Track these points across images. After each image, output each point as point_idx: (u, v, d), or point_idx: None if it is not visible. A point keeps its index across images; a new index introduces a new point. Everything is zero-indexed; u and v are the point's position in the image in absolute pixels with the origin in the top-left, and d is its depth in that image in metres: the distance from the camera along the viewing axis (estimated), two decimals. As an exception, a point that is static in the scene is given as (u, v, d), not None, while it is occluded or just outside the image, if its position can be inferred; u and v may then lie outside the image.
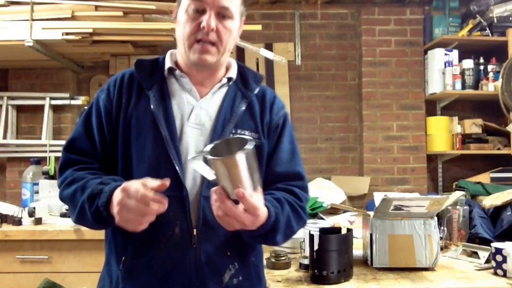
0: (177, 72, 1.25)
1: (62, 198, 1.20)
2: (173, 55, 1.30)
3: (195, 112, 1.22)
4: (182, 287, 1.15)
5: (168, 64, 1.26)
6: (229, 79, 1.28)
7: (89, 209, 1.09)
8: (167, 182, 1.02)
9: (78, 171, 1.18)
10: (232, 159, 0.97)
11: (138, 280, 1.16)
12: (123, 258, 1.17)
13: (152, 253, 1.15)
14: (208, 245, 1.16)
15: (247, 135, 1.22)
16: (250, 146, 0.99)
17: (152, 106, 1.19)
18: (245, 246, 1.20)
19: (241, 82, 1.29)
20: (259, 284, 1.25)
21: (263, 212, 1.06)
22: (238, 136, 1.15)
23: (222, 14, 1.18)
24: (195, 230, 1.15)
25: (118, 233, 1.19)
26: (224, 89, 1.28)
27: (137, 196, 1.00)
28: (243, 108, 1.25)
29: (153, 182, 1.02)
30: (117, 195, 1.03)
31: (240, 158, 0.97)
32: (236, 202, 1.01)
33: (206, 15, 1.16)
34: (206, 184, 1.15)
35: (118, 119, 1.21)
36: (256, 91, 1.29)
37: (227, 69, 1.31)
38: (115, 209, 1.03)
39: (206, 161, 1.03)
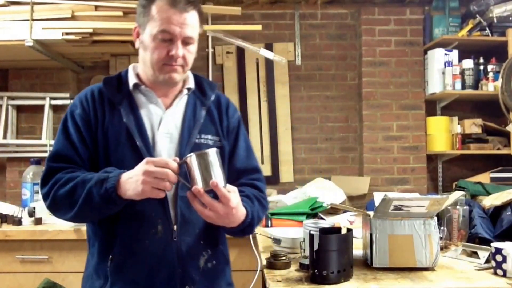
0: (143, 87, 1.41)
1: (56, 198, 1.28)
2: (135, 69, 1.45)
3: (164, 122, 1.39)
4: (167, 275, 1.32)
5: (133, 80, 1.41)
6: (188, 89, 1.46)
7: (97, 193, 1.21)
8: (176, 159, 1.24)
9: (67, 173, 1.29)
10: (205, 153, 1.22)
11: (127, 274, 1.31)
12: (110, 256, 1.32)
13: (138, 249, 1.31)
14: (186, 237, 1.35)
15: (210, 139, 1.42)
16: (215, 149, 1.25)
17: (124, 119, 1.34)
18: (214, 236, 1.42)
19: (198, 91, 1.48)
20: (227, 266, 1.49)
21: (241, 211, 1.29)
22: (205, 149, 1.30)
23: (186, 42, 1.36)
24: (175, 226, 1.33)
25: (104, 233, 1.34)
26: (185, 99, 1.45)
27: (161, 162, 1.19)
28: (203, 114, 1.43)
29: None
30: (141, 167, 1.19)
31: (211, 152, 1.23)
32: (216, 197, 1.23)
33: (174, 45, 1.33)
34: (181, 186, 1.32)
35: (96, 132, 1.34)
36: (212, 98, 1.48)
37: (185, 80, 1.47)
38: (136, 180, 1.18)
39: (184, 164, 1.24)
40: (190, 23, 1.34)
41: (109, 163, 1.31)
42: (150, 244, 1.31)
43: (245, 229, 1.35)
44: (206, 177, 1.21)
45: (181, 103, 1.44)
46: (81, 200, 1.24)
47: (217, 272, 1.42)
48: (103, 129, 1.34)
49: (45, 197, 1.32)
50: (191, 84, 1.47)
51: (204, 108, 1.45)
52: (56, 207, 1.32)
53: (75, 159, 1.33)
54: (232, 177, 1.41)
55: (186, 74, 1.46)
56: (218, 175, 1.22)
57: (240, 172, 1.46)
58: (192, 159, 1.21)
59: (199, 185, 1.21)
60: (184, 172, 1.24)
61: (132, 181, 1.20)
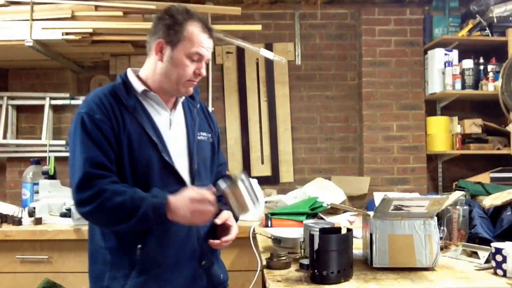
0: (151, 93, 1.53)
1: (100, 209, 1.38)
2: (136, 74, 1.57)
3: (174, 123, 1.57)
4: (190, 254, 1.53)
5: (141, 87, 1.53)
6: None
7: (152, 217, 1.37)
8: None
9: (109, 185, 1.39)
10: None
11: (157, 258, 1.47)
12: (139, 245, 1.45)
13: (169, 234, 1.49)
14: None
15: (205, 135, 1.64)
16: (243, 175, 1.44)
17: (142, 124, 1.48)
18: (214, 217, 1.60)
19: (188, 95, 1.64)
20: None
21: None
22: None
23: (206, 63, 1.57)
24: None
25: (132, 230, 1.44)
26: (180, 101, 1.62)
27: (203, 199, 1.39)
28: (197, 115, 1.65)
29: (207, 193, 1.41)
30: (187, 205, 1.38)
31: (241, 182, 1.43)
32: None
33: (201, 64, 1.53)
34: (197, 178, 1.55)
35: (119, 135, 1.45)
36: (198, 101, 1.69)
37: None
38: (185, 215, 1.38)
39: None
40: (211, 47, 1.56)
41: (134, 161, 1.45)
42: (176, 229, 1.48)
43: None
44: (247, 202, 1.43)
45: (180, 106, 1.62)
46: (136, 220, 1.37)
47: (218, 249, 1.65)
48: (125, 131, 1.45)
49: (83, 204, 1.39)
50: None
51: (195, 110, 1.66)
52: (98, 217, 1.43)
53: (107, 165, 1.42)
54: (217, 168, 1.72)
55: None
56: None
57: (219, 165, 1.76)
58: (237, 187, 1.41)
59: (249, 207, 1.43)
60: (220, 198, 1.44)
61: (181, 214, 1.39)
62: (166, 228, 1.46)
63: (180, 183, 1.50)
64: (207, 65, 3.25)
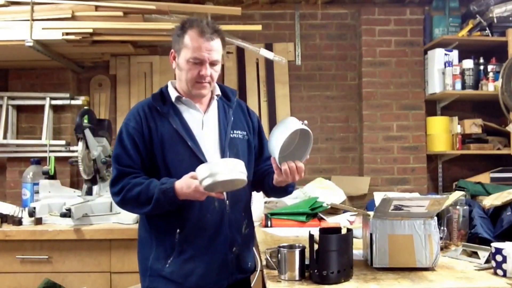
0: (184, 98, 1.74)
1: (125, 199, 1.65)
2: (173, 85, 1.79)
3: (206, 123, 1.74)
4: (222, 240, 1.69)
5: (174, 94, 1.75)
6: (217, 95, 1.81)
7: (164, 199, 1.58)
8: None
9: (132, 179, 1.65)
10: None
11: (194, 242, 1.67)
12: (178, 230, 1.66)
13: (202, 221, 1.67)
14: (234, 210, 1.72)
15: (240, 133, 1.78)
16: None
17: (174, 125, 1.69)
18: (249, 208, 1.84)
19: (224, 97, 1.83)
20: (254, 230, 1.90)
21: None
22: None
23: (213, 63, 1.70)
24: (227, 201, 1.69)
25: (170, 215, 1.65)
26: (215, 103, 1.80)
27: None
28: (231, 115, 1.80)
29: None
30: (190, 189, 1.55)
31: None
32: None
33: (203, 66, 1.67)
34: None
35: (151, 139, 1.68)
36: (235, 101, 1.85)
37: (212, 89, 1.81)
38: (187, 191, 1.56)
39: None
40: (215, 49, 1.68)
41: (166, 161, 1.67)
42: (211, 216, 1.67)
43: (293, 186, 1.80)
44: None
45: (214, 107, 1.79)
46: (153, 204, 1.59)
47: (250, 237, 1.84)
48: (157, 134, 1.68)
49: (114, 196, 1.69)
50: (218, 91, 1.81)
51: (231, 110, 1.81)
52: (126, 205, 1.70)
53: (131, 164, 1.67)
54: (257, 162, 1.85)
55: (213, 84, 1.79)
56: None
57: (267, 159, 1.82)
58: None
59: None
60: None
61: (185, 192, 1.56)
62: (201, 215, 1.66)
63: None
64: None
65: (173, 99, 1.74)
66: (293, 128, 1.52)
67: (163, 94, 1.77)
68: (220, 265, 1.69)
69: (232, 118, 1.79)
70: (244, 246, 1.77)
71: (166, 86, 1.80)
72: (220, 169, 1.46)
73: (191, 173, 1.55)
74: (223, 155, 1.70)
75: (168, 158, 1.67)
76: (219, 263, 1.69)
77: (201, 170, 1.48)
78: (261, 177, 1.81)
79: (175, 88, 1.78)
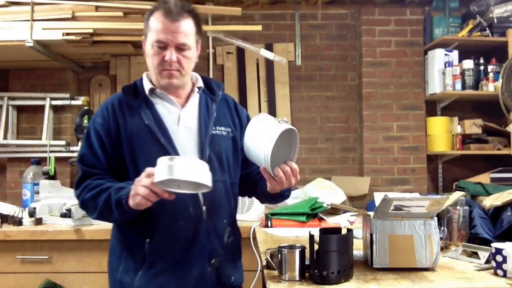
0: (158, 90, 1.56)
1: (83, 203, 1.51)
2: (148, 77, 1.60)
3: (183, 118, 1.56)
4: (199, 250, 1.51)
5: (148, 85, 1.56)
6: (199, 88, 1.62)
7: (116, 209, 1.40)
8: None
9: (94, 180, 1.48)
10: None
11: (165, 252, 1.49)
12: (147, 240, 1.48)
13: (175, 230, 1.48)
14: (213, 217, 1.53)
15: (223, 130, 1.59)
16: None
17: (146, 121, 1.50)
18: (233, 215, 1.65)
19: (207, 90, 1.65)
20: (240, 239, 1.70)
21: None
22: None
23: (181, 48, 1.49)
24: (204, 207, 1.51)
25: (138, 221, 1.47)
26: (197, 97, 1.62)
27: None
28: (215, 109, 1.61)
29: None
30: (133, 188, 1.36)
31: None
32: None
33: (168, 51, 1.48)
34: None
35: (119, 136, 1.50)
36: (220, 95, 1.65)
37: (194, 81, 1.64)
38: (134, 187, 1.35)
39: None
40: (183, 31, 1.49)
41: (136, 160, 1.49)
42: (184, 224, 1.49)
43: (288, 192, 1.61)
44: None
45: (194, 101, 1.61)
46: (98, 211, 1.45)
47: (235, 247, 1.65)
48: (126, 131, 1.50)
49: (77, 199, 1.54)
50: (200, 83, 1.63)
51: (214, 104, 1.62)
52: (85, 210, 1.57)
53: (97, 165, 1.51)
54: (247, 164, 1.62)
55: (193, 75, 1.64)
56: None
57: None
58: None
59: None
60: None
61: (133, 194, 1.36)
62: (173, 223, 1.48)
63: None
64: (208, 62, 3.28)
65: (146, 91, 1.55)
66: (278, 131, 1.35)
67: (136, 86, 1.59)
68: (196, 280, 1.51)
69: (215, 114, 1.59)
70: (226, 257, 1.58)
71: (141, 78, 1.61)
72: (181, 167, 1.27)
73: (149, 169, 1.34)
74: (202, 153, 1.51)
75: (137, 157, 1.48)
76: (195, 277, 1.50)
77: (159, 162, 1.30)
78: (253, 182, 1.63)
79: (151, 81, 1.58)
